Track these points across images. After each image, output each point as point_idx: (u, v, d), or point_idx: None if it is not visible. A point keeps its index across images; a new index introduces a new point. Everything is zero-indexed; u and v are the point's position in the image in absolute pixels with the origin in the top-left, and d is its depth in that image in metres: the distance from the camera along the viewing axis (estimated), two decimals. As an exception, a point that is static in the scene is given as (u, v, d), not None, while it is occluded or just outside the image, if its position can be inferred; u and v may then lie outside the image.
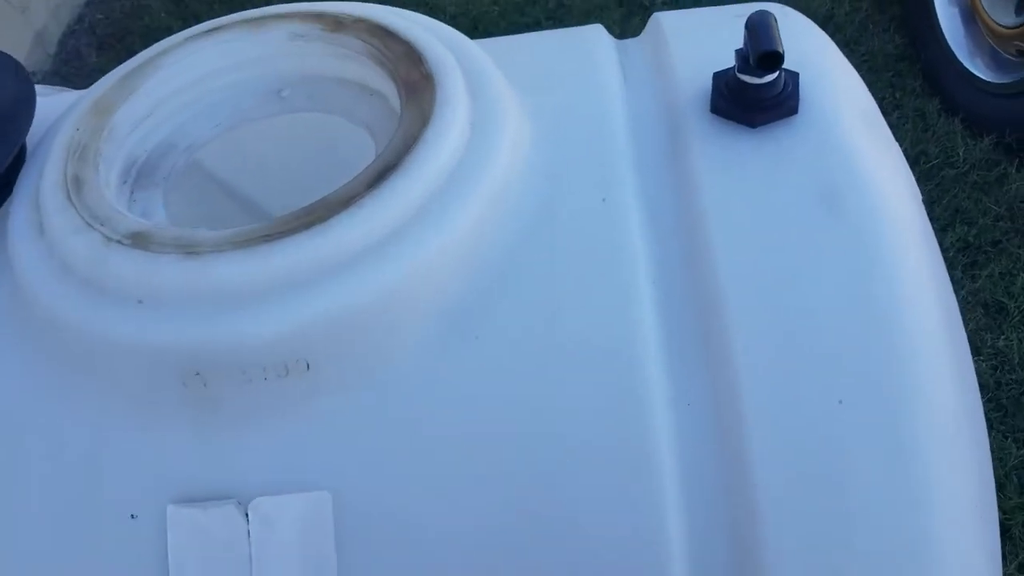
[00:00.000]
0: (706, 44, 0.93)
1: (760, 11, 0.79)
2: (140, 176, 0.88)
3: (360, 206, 0.72)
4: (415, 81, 0.83)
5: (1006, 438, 1.71)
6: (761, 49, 0.75)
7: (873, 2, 2.74)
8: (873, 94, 2.52)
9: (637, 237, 0.76)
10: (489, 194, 0.75)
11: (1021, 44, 2.16)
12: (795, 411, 0.67)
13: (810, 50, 0.90)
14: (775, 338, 0.69)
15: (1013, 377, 1.82)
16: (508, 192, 0.77)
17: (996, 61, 2.25)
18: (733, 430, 0.67)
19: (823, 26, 2.78)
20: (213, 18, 0.99)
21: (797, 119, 0.81)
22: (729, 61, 0.85)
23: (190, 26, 0.98)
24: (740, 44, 0.82)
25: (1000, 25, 2.20)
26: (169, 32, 1.00)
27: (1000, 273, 1.99)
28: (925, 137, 2.33)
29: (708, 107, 0.84)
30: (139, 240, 0.72)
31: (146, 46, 0.97)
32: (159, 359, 0.70)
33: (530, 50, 1.03)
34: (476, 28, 2.86)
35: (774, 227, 0.73)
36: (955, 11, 2.33)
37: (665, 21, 1.03)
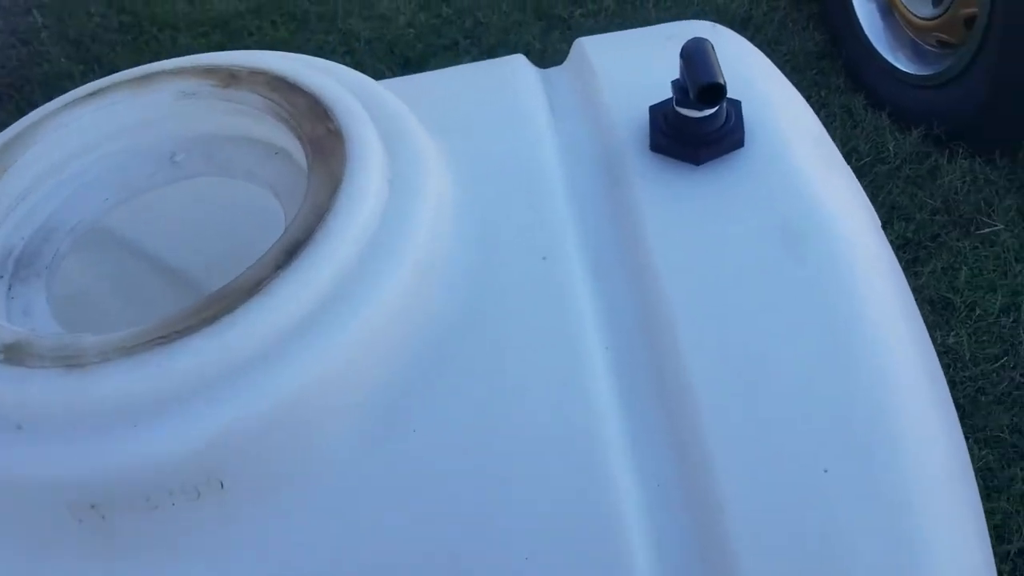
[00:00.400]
0: (637, 72, 0.87)
1: (696, 39, 0.72)
2: (19, 267, 0.78)
3: (268, 293, 0.63)
4: (321, 138, 0.75)
5: (967, 438, 1.68)
6: (702, 82, 0.69)
7: (790, 1, 2.73)
8: (802, 92, 2.47)
9: (585, 301, 0.68)
10: (414, 264, 0.67)
11: (941, 35, 2.15)
12: (777, 486, 0.60)
13: (750, 74, 0.84)
14: (747, 405, 0.62)
15: (967, 375, 1.80)
16: (436, 259, 0.69)
17: (918, 53, 2.25)
18: (710, 512, 0.60)
19: (743, 29, 2.77)
20: (116, 63, 0.89)
21: (744, 153, 0.75)
22: (663, 90, 0.78)
23: (92, 72, 0.89)
24: (673, 70, 0.75)
25: (919, 17, 2.19)
26: (71, 79, 0.90)
27: (943, 268, 1.97)
28: (854, 134, 2.32)
29: (648, 144, 0.77)
30: (14, 354, 0.62)
31: (47, 96, 0.87)
32: (45, 493, 0.60)
33: (449, 89, 0.95)
34: (392, 52, 2.78)
35: (734, 279, 0.67)
36: (873, 6, 2.32)
37: (590, 47, 0.96)
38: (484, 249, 0.71)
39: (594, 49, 0.95)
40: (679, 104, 0.74)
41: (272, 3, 3.02)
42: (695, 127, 0.73)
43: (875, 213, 0.81)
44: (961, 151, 2.17)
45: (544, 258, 0.71)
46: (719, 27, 0.95)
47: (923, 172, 2.19)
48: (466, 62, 2.70)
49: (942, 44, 2.17)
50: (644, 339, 0.66)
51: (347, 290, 0.64)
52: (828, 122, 2.36)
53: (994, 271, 1.98)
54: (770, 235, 0.69)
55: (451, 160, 0.77)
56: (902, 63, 2.24)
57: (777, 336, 0.64)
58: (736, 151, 0.75)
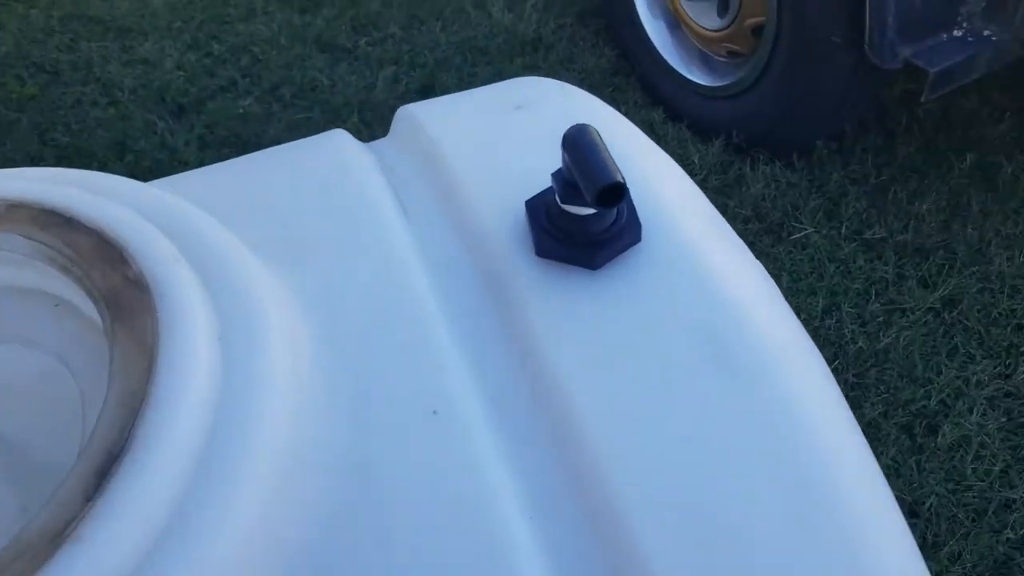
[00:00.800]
0: (493, 154, 0.74)
1: (579, 127, 0.61)
2: None
3: (79, 540, 0.45)
4: (119, 290, 0.57)
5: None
6: (601, 184, 0.57)
7: (575, 18, 2.71)
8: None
9: (493, 462, 0.55)
10: (272, 460, 0.51)
11: (730, 46, 2.18)
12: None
13: (625, 149, 0.73)
14: (700, 565, 0.51)
15: (806, 384, 1.81)
16: (301, 443, 0.53)
17: (709, 65, 2.27)
18: None
19: (533, 50, 2.70)
20: None
21: (643, 249, 0.64)
22: (533, 176, 0.66)
23: None
24: (536, 149, 0.64)
25: (707, 29, 2.21)
26: None
27: (765, 277, 1.99)
28: (660, 147, 2.31)
29: (530, 248, 0.65)
30: None
31: None
32: None
33: (266, 186, 0.79)
34: (163, 99, 2.51)
35: (667, 403, 0.56)
36: (661, 23, 2.33)
37: (424, 118, 0.83)
38: (359, 413, 0.56)
39: (430, 121, 0.82)
40: (565, 201, 0.62)
41: (15, 54, 2.66)
42: (587, 226, 0.62)
43: (772, 281, 0.74)
44: (762, 158, 2.21)
45: (435, 412, 0.57)
46: (568, 87, 0.85)
47: (730, 181, 2.21)
48: (247, 103, 2.48)
49: (731, 54, 2.20)
50: (571, 500, 0.54)
51: (185, 519, 0.47)
52: (632, 138, 2.34)
53: (811, 274, 2.02)
54: (694, 349, 0.59)
55: (296, 296, 0.61)
56: (696, 76, 2.26)
57: (724, 469, 0.54)
58: (634, 247, 0.64)
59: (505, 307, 0.62)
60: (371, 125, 2.43)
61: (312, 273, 0.64)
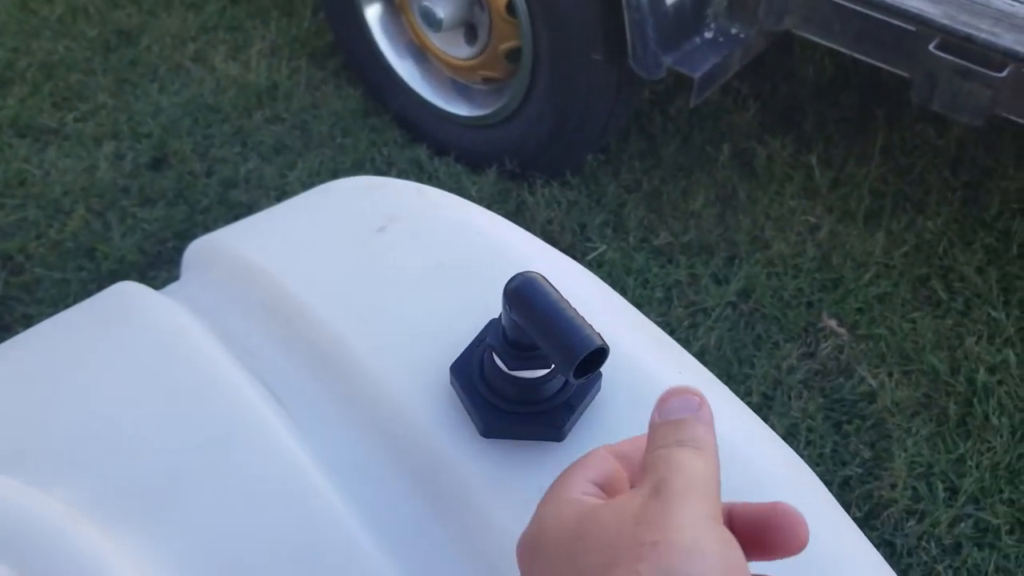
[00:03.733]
0: (377, 301, 0.58)
1: (524, 279, 0.46)
2: None
3: None
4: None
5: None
6: (580, 353, 0.43)
7: (308, 60, 2.52)
8: (355, 156, 2.31)
9: None
10: None
11: (486, 73, 2.10)
12: None
13: (520, 257, 0.60)
14: None
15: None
16: None
17: (467, 95, 2.18)
18: None
19: (271, 99, 2.49)
20: None
21: (605, 403, 0.51)
22: (428, 321, 0.52)
23: None
24: (416, 277, 0.50)
25: (457, 59, 2.12)
26: None
27: (573, 305, 1.94)
28: (432, 185, 2.19)
29: (470, 429, 0.50)
30: None
31: None
32: None
33: (73, 394, 0.57)
34: None
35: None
36: (408, 58, 2.21)
37: (258, 258, 0.65)
38: None
39: (271, 263, 0.64)
40: (514, 367, 0.48)
41: None
42: (542, 390, 0.48)
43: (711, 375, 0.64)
44: (539, 181, 2.16)
45: None
46: (424, 189, 0.70)
47: (511, 210, 2.14)
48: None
49: (487, 81, 2.13)
50: None
51: None
52: (402, 178, 2.21)
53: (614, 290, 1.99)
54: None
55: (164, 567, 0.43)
56: (456, 107, 2.17)
57: None
58: (594, 399, 0.51)
59: (456, 519, 0.47)
60: (104, 215, 2.11)
61: (181, 524, 0.45)
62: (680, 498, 0.37)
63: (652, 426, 0.41)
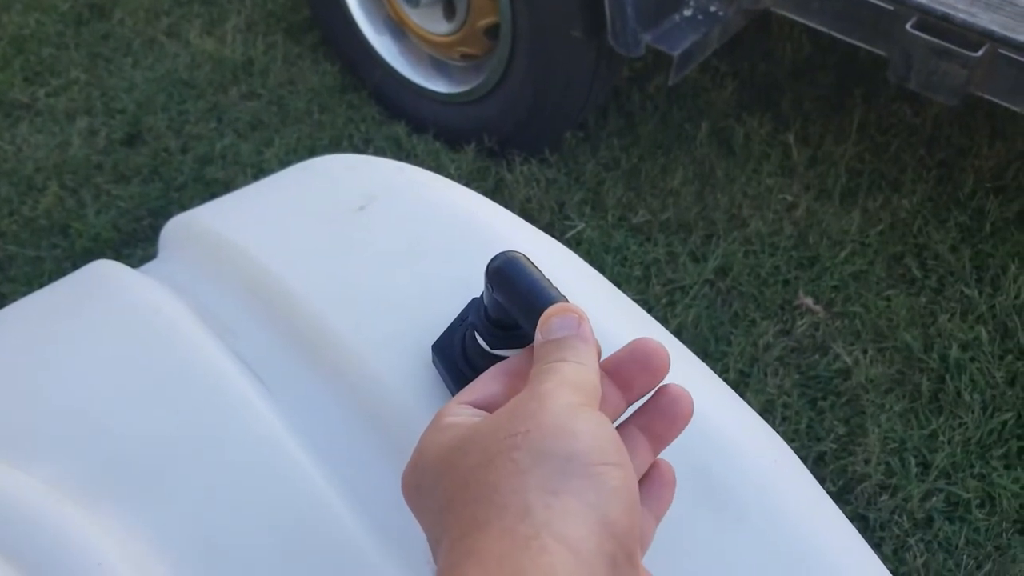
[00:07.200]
0: (356, 280, 0.58)
1: (505, 258, 0.46)
2: None
3: None
4: None
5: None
6: None
7: (285, 35, 2.49)
8: (332, 132, 2.29)
9: None
10: None
11: (464, 49, 2.09)
12: None
13: (507, 237, 0.60)
14: None
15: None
16: None
17: (445, 72, 2.17)
18: None
19: (247, 74, 2.46)
20: None
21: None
22: (408, 301, 0.52)
23: None
24: (396, 257, 0.50)
25: (435, 35, 2.10)
26: None
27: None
28: (410, 163, 2.18)
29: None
30: None
31: None
32: None
33: (49, 372, 0.57)
34: None
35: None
36: (385, 33, 2.19)
37: (239, 238, 0.65)
38: None
39: (251, 243, 0.63)
40: (496, 346, 0.48)
41: None
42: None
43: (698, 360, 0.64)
44: (518, 158, 2.16)
45: None
46: (404, 167, 0.70)
47: (490, 188, 2.14)
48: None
49: (466, 57, 2.12)
50: None
51: None
52: (379, 155, 2.20)
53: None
54: (689, 493, 0.48)
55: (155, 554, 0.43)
56: (434, 84, 2.15)
57: None
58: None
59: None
60: (77, 192, 2.09)
61: (162, 502, 0.45)
62: (552, 392, 0.38)
63: (536, 346, 0.43)
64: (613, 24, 1.73)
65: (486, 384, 0.44)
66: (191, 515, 0.48)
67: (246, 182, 2.08)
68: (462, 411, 0.42)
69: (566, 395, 0.38)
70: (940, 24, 1.53)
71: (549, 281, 0.46)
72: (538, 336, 0.42)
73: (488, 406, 0.43)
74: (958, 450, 1.71)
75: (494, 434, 0.37)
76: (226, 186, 2.10)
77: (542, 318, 0.43)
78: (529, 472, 0.35)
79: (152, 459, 0.50)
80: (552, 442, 0.35)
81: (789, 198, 2.14)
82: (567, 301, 0.45)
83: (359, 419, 0.51)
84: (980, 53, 1.50)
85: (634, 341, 0.43)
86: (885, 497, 1.65)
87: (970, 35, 1.51)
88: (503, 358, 0.48)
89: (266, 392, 0.54)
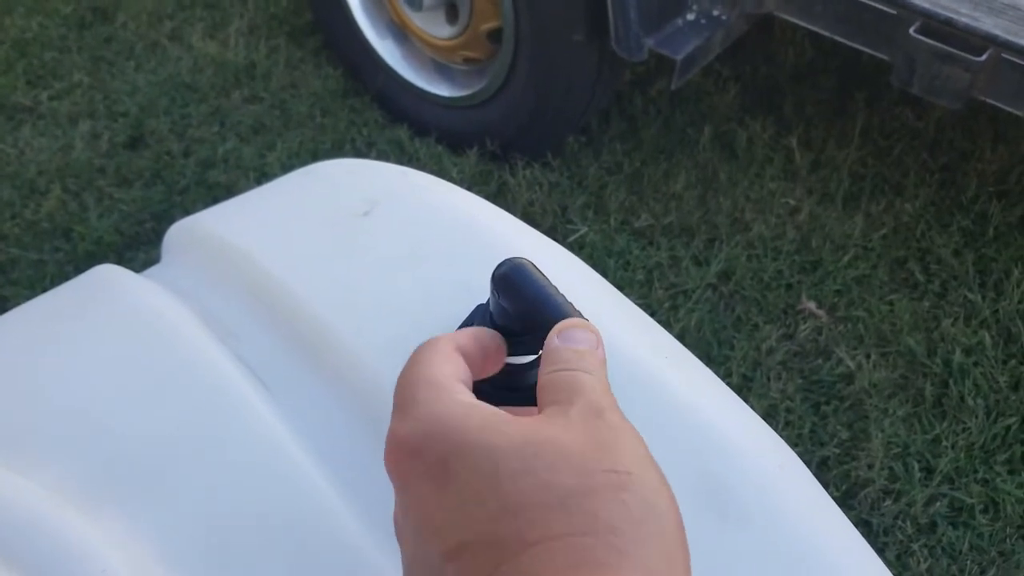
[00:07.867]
0: (358, 285, 0.58)
1: (511, 265, 0.46)
2: None
3: None
4: None
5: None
6: None
7: (287, 39, 2.49)
8: (335, 136, 2.28)
9: None
10: None
11: (467, 53, 2.09)
12: None
13: (512, 243, 0.60)
14: None
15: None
16: None
17: (448, 76, 2.17)
18: None
19: (249, 78, 2.46)
20: None
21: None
22: (413, 306, 0.52)
23: None
24: (402, 262, 0.50)
25: (438, 39, 2.10)
26: None
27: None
28: (413, 167, 2.18)
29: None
30: None
31: None
32: None
33: (50, 375, 0.57)
34: None
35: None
36: (388, 37, 2.19)
37: (243, 243, 0.65)
38: None
39: (254, 248, 0.63)
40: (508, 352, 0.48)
41: None
42: (530, 376, 0.48)
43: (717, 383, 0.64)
44: (520, 162, 2.16)
45: None
46: (408, 172, 0.70)
47: (492, 192, 2.14)
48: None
49: (468, 61, 2.12)
50: None
51: None
52: (382, 159, 2.20)
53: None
54: (692, 497, 0.47)
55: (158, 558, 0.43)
56: (437, 87, 2.15)
57: None
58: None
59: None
60: (80, 195, 2.09)
61: (164, 505, 0.45)
62: (624, 428, 0.38)
63: (553, 348, 0.42)
64: (616, 28, 1.73)
65: (455, 359, 0.43)
66: (194, 520, 0.47)
67: (248, 186, 2.08)
68: (466, 392, 0.41)
69: (634, 435, 0.37)
70: (943, 28, 1.53)
71: (556, 288, 0.46)
72: (553, 339, 0.42)
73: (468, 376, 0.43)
74: (962, 455, 1.70)
75: (582, 457, 0.35)
76: (228, 190, 2.11)
77: (561, 325, 0.42)
78: (643, 524, 0.34)
79: (155, 463, 0.49)
80: (655, 498, 0.35)
81: (792, 202, 2.14)
82: (577, 311, 0.44)
83: (362, 423, 0.51)
84: (983, 58, 1.50)
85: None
86: (888, 502, 1.65)
87: (973, 39, 1.51)
88: (508, 365, 0.48)
89: (269, 396, 0.53)
